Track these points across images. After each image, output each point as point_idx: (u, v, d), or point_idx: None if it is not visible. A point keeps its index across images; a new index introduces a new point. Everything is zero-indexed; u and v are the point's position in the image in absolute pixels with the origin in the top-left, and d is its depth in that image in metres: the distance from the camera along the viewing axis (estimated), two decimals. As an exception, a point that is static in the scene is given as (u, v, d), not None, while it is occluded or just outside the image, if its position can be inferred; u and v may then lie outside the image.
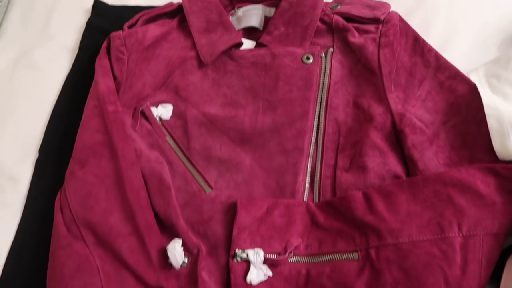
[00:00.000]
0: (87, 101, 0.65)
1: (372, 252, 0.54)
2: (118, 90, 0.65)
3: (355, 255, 0.55)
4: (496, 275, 0.53)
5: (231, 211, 0.59)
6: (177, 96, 0.66)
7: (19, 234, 0.63)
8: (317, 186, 0.61)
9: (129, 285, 0.55)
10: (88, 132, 0.62)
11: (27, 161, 0.68)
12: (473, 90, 0.59)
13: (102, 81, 0.64)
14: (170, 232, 0.58)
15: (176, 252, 0.55)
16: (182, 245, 0.56)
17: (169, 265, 0.56)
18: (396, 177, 0.58)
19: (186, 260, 0.56)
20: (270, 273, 0.55)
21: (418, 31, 0.66)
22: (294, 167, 0.61)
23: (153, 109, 0.65)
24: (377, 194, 0.56)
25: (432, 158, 0.58)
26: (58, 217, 0.58)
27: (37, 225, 0.63)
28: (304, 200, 0.60)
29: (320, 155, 0.62)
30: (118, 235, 0.56)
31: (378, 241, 0.54)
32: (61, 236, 0.57)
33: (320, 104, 0.64)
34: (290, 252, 0.56)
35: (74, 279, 0.54)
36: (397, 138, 0.61)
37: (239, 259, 0.56)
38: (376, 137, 0.60)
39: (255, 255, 0.55)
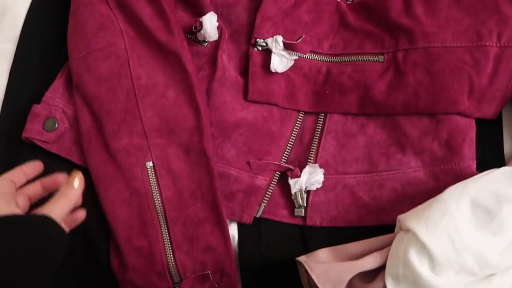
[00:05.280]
0: None
1: (400, 55, 0.52)
2: None
3: (381, 58, 0.53)
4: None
5: None
6: None
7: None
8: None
9: (152, 51, 0.54)
10: None
11: None
12: None
13: None
14: (193, 9, 0.57)
15: (212, 24, 0.53)
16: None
17: (189, 41, 0.55)
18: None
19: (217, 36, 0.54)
20: (295, 57, 0.53)
21: None
22: None
23: None
24: None
25: None
26: None
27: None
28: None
29: None
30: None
31: (408, 44, 0.51)
32: None
33: None
34: (310, 44, 0.53)
35: (97, 37, 0.53)
36: None
37: (259, 48, 0.54)
38: None
39: (274, 42, 0.53)
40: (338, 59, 0.54)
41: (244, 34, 0.56)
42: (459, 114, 0.50)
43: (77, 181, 0.44)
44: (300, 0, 0.55)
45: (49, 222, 0.39)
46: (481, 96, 0.50)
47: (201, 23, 0.54)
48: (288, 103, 0.55)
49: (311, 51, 0.54)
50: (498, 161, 0.51)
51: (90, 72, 0.53)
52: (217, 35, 0.54)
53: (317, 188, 0.52)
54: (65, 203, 0.43)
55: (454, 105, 0.50)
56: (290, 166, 0.53)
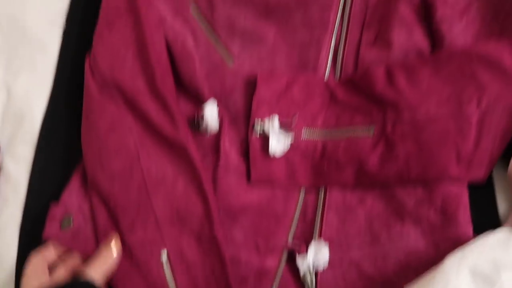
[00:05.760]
0: None
1: (388, 126, 0.55)
2: None
3: (371, 129, 0.56)
4: (507, 155, 0.54)
5: (253, 84, 0.59)
6: None
7: (52, 98, 0.66)
8: (340, 62, 0.61)
9: (159, 145, 0.57)
10: None
11: (56, 27, 0.68)
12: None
13: None
14: (194, 100, 0.60)
15: (213, 115, 0.57)
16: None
17: (193, 132, 0.59)
18: (420, 53, 0.57)
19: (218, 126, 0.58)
20: (291, 137, 0.57)
21: None
22: (318, 41, 0.60)
23: None
24: (400, 69, 0.56)
25: (460, 32, 0.56)
26: (89, 79, 0.59)
27: (69, 89, 0.65)
28: (326, 75, 0.60)
29: (345, 30, 0.61)
30: (145, 96, 0.57)
31: (395, 115, 0.55)
32: (94, 98, 0.58)
33: None
34: (305, 121, 0.57)
35: (109, 137, 0.57)
36: (426, 12, 0.58)
37: (257, 131, 0.58)
38: (405, 10, 0.58)
39: (270, 122, 0.57)
40: (331, 133, 0.57)
41: (243, 119, 0.60)
42: (450, 180, 0.53)
43: (115, 245, 0.47)
44: (291, 81, 0.59)
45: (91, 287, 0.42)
46: (469, 161, 0.52)
47: (202, 115, 0.58)
48: (289, 181, 0.58)
49: (306, 127, 0.58)
50: (494, 222, 0.53)
51: (104, 170, 0.57)
52: (218, 126, 0.58)
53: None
54: (105, 267, 0.46)
55: (445, 172, 0.52)
56: (297, 244, 0.56)
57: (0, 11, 0.70)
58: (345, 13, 0.61)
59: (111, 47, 0.59)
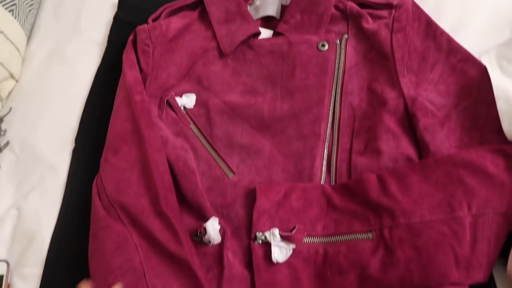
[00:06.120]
0: (117, 92, 0.70)
1: (386, 232, 0.56)
2: (144, 81, 0.70)
3: (370, 235, 0.57)
4: (505, 253, 0.55)
5: (252, 195, 0.62)
6: (200, 86, 0.70)
7: (61, 219, 0.68)
8: (334, 170, 0.64)
9: (164, 261, 0.58)
10: (118, 121, 0.66)
11: (65, 150, 0.73)
12: (483, 72, 0.61)
13: (129, 73, 0.68)
14: (197, 214, 0.63)
15: (214, 229, 0.59)
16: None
17: (196, 243, 0.60)
18: (409, 159, 0.61)
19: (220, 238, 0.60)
20: (292, 246, 0.58)
21: (431, 14, 0.67)
22: (312, 151, 0.64)
23: (177, 98, 0.69)
24: (391, 176, 0.59)
25: (443, 140, 0.60)
26: (96, 201, 0.62)
27: (76, 210, 0.68)
28: (322, 183, 0.63)
29: (336, 139, 0.65)
30: (149, 215, 0.59)
31: (391, 222, 0.56)
32: (101, 219, 0.61)
33: (336, 90, 0.67)
34: (304, 232, 0.59)
35: (115, 256, 0.58)
36: (409, 122, 0.63)
37: (259, 242, 0.59)
38: (390, 121, 0.62)
39: (271, 235, 0.58)
40: (332, 239, 0.59)
41: (245, 229, 0.62)
42: (452, 284, 0.54)
43: None
44: (289, 190, 0.62)
45: None
46: (467, 264, 0.53)
47: (205, 228, 0.60)
48: None
49: (306, 235, 0.59)
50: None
51: None
52: (220, 238, 0.60)
53: None
54: None
55: (445, 277, 0.53)
56: None
57: (13, 135, 0.76)
58: (334, 124, 0.66)
59: (116, 171, 0.63)
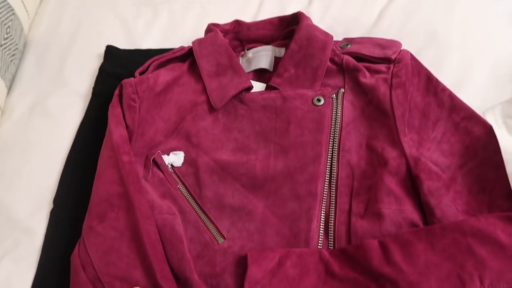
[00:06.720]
0: (102, 151, 0.65)
1: None
2: (130, 138, 0.66)
3: (372, 308, 0.53)
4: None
5: (244, 263, 0.58)
6: (188, 143, 0.66)
7: (35, 288, 0.63)
8: (332, 233, 0.60)
9: None
10: (103, 184, 0.62)
11: (42, 213, 0.69)
12: (489, 131, 0.58)
13: (116, 131, 0.65)
14: (183, 286, 0.58)
15: None
16: None
17: None
18: (413, 224, 0.57)
19: None
20: None
21: (431, 69, 0.65)
22: (308, 213, 0.60)
23: (164, 157, 0.65)
24: (394, 243, 0.54)
25: (449, 204, 0.56)
26: (81, 274, 0.57)
27: (54, 278, 0.63)
28: (319, 247, 0.59)
29: (334, 200, 0.61)
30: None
31: None
32: None
33: (333, 147, 0.63)
34: None
35: None
36: (412, 183, 0.59)
37: None
38: (391, 183, 0.59)
39: None
40: None
41: None
42: None
43: None
44: (283, 256, 0.57)
45: None
46: None
47: None
48: None
49: None
50: None
51: None
52: None
53: None
54: None
55: None
56: None
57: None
58: (332, 183, 0.62)
59: (104, 241, 0.58)
